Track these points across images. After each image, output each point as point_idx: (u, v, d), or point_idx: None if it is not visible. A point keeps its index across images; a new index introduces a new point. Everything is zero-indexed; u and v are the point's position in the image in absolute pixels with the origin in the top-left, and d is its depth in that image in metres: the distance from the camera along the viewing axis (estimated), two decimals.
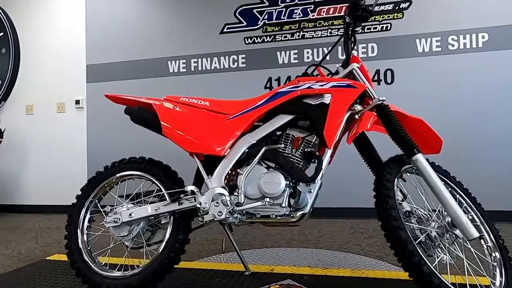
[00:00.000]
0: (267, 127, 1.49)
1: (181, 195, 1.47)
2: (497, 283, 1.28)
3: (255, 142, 1.48)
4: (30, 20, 4.15)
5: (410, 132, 1.54)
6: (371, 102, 1.46)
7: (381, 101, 1.44)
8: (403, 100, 3.12)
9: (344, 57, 1.59)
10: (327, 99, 1.44)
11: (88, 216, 1.60)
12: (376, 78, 3.24)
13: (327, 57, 1.76)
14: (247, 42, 3.54)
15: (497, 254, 1.37)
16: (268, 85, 3.47)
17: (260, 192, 1.36)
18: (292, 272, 1.70)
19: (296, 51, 3.43)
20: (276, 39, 3.47)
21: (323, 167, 1.42)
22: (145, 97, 1.68)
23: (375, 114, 1.45)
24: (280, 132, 1.53)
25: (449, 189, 1.47)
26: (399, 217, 1.20)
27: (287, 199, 1.38)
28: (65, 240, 1.55)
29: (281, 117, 1.49)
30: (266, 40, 3.50)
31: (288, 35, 3.46)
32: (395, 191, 1.32)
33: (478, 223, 1.44)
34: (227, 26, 3.59)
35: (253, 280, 1.61)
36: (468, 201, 1.47)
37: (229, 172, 1.46)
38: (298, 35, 3.43)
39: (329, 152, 1.45)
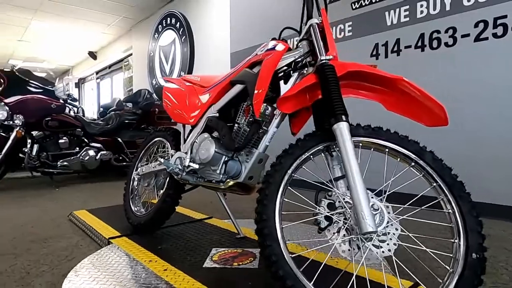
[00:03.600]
0: (225, 98, 1.55)
1: (166, 157, 1.77)
2: None
3: (215, 112, 1.58)
4: (198, 22, 5.28)
5: (400, 100, 1.21)
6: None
7: (323, 60, 1.21)
8: None
9: None
10: None
11: (138, 170, 2.16)
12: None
13: None
14: (354, 7, 3.23)
15: (455, 271, 0.94)
16: (374, 53, 3.07)
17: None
18: None
19: (407, 7, 2.84)
20: None
21: (266, 137, 1.37)
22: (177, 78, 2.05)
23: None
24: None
25: (422, 173, 1.10)
26: (273, 191, 1.06)
27: (223, 166, 1.43)
28: None
29: (236, 87, 1.51)
30: (374, 1, 3.07)
31: None
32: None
33: (453, 225, 1.01)
34: None
35: (234, 241, 1.73)
36: (445, 188, 1.04)
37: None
38: None
39: (274, 122, 1.37)
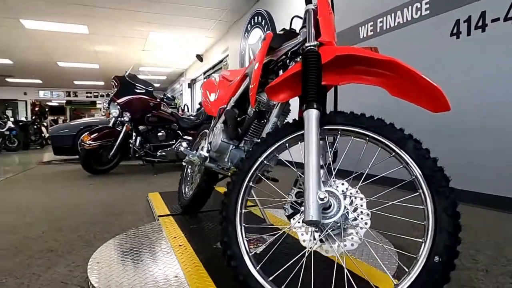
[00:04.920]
0: (240, 90, 1.62)
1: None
2: None
3: (233, 104, 1.66)
4: (282, 18, 5.38)
5: (403, 85, 1.12)
6: None
7: (308, 47, 1.18)
8: None
9: None
10: None
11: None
12: None
13: None
14: None
15: (411, 273, 0.84)
16: (454, 31, 2.65)
17: None
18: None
19: None
20: None
21: (267, 127, 1.40)
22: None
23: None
24: None
25: (403, 164, 1.00)
26: (240, 177, 1.09)
27: (229, 154, 1.51)
28: None
29: (247, 79, 1.57)
30: None
31: None
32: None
33: (425, 222, 0.90)
34: None
35: (257, 228, 1.80)
36: (423, 182, 0.92)
37: None
38: None
39: (274, 112, 1.39)
